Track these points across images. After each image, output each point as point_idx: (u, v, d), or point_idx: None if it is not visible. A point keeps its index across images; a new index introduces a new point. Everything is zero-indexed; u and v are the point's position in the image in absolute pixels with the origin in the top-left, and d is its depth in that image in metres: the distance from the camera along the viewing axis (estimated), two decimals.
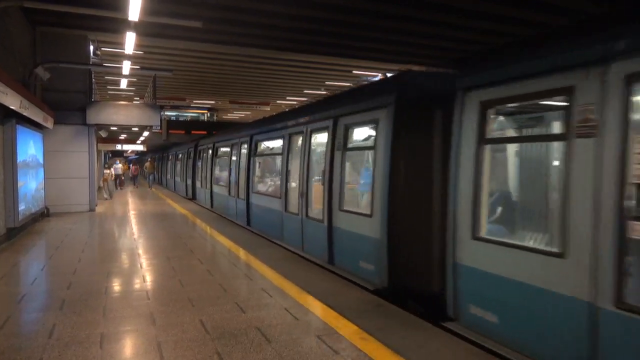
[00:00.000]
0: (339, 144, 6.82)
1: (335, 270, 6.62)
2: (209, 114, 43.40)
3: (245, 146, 11.64)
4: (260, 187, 11.20)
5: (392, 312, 4.79)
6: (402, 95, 5.55)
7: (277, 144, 9.89)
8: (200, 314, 4.66)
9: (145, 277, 6.30)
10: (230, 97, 32.20)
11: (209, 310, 4.77)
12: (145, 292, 5.54)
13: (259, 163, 11.51)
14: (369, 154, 6.62)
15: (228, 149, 13.74)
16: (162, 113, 27.25)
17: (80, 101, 13.95)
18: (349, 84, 24.61)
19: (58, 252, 8.08)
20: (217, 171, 15.54)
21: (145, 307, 4.91)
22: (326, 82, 25.24)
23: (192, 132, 32.59)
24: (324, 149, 7.41)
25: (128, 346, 3.97)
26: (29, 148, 10.56)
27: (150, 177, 29.85)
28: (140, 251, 8.11)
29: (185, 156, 21.71)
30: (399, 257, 5.43)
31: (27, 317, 4.75)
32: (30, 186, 10.64)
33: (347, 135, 6.75)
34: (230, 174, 13.17)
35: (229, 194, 13.10)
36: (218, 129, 27.49)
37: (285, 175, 8.83)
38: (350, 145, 6.81)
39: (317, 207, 7.61)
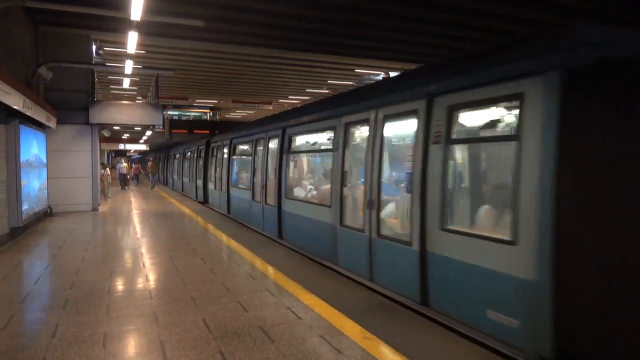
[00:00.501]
0: (438, 134, 4.82)
1: (432, 315, 4.70)
2: (211, 113, 43.52)
3: (275, 142, 9.63)
4: (298, 192, 9.16)
5: (396, 312, 4.78)
6: (573, 56, 3.61)
7: (324, 137, 8.00)
8: (203, 313, 4.65)
9: (148, 277, 6.30)
10: (233, 96, 32.21)
11: (211, 309, 4.76)
12: (148, 292, 5.54)
13: (295, 162, 9.53)
14: (502, 149, 4.69)
15: (250, 147, 11.77)
16: (164, 112, 27.28)
17: (82, 101, 13.97)
18: (351, 83, 24.59)
19: (61, 252, 8.10)
20: (235, 172, 13.55)
21: (148, 307, 4.90)
22: (329, 81, 25.23)
23: (195, 131, 32.64)
24: (406, 142, 5.60)
25: (131, 345, 3.97)
26: (32, 148, 10.58)
27: (154, 177, 29.85)
28: (143, 250, 8.11)
29: (196, 154, 19.50)
30: (576, 312, 3.46)
31: (30, 317, 4.76)
32: (33, 186, 10.66)
33: (451, 121, 4.71)
34: (254, 176, 11.22)
35: (253, 198, 11.13)
36: (221, 128, 27.39)
37: (340, 179, 6.86)
38: (456, 136, 4.79)
39: (396, 223, 5.86)
